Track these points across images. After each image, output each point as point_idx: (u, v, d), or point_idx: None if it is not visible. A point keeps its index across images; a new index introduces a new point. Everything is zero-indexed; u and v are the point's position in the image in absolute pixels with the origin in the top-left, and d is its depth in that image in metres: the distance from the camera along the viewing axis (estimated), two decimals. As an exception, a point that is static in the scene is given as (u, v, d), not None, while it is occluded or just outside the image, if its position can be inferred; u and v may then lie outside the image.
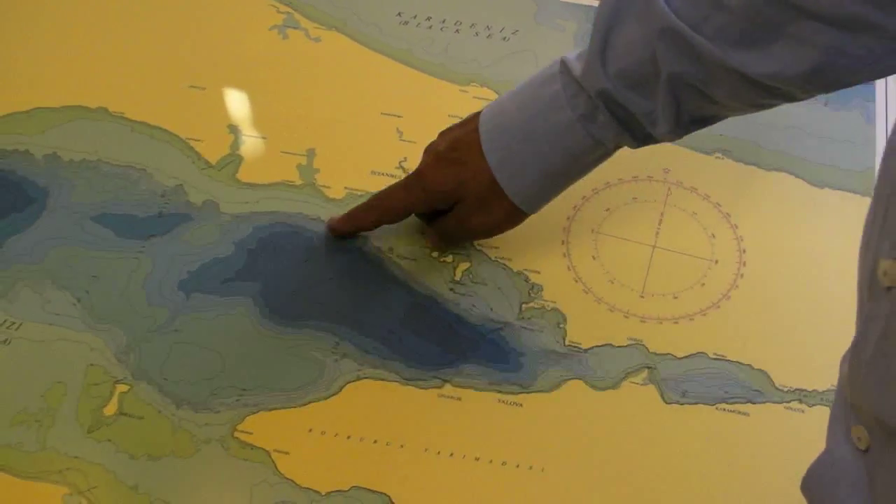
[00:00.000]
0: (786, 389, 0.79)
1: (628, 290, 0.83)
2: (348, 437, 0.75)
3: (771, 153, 0.93)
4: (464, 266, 0.84)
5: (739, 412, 0.78)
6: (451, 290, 0.82)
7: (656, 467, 0.75)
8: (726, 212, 0.88)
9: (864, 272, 0.56)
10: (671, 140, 0.76)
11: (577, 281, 0.84)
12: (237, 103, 0.94)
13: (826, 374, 0.79)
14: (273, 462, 0.73)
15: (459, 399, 0.77)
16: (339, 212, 0.84)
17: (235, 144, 0.90)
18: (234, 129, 0.91)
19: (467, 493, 0.73)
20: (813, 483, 0.63)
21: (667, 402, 0.78)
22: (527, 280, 0.83)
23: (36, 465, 0.72)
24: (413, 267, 0.83)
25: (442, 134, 0.82)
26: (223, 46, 0.98)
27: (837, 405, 0.62)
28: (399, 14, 1.01)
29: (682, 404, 0.78)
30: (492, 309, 0.81)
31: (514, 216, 0.81)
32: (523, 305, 0.82)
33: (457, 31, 1.01)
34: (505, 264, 0.84)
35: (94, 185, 0.87)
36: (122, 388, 0.76)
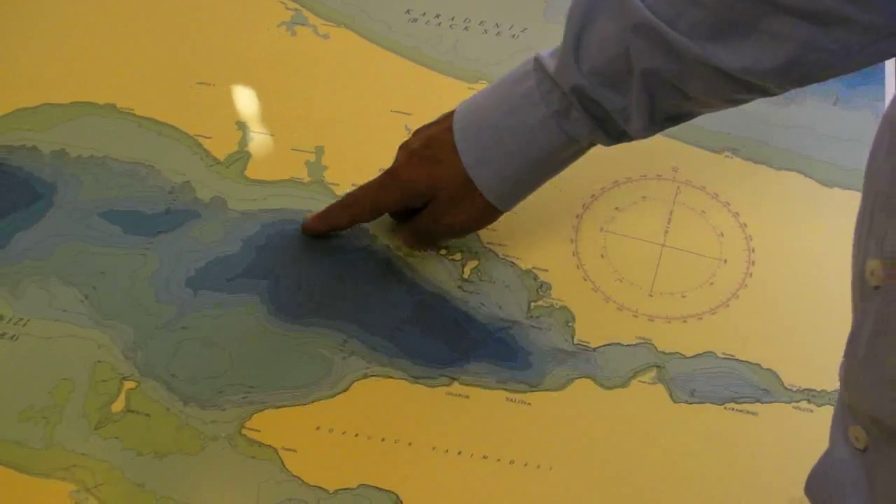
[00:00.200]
0: (794, 389, 0.78)
1: (637, 288, 0.83)
2: (356, 435, 0.74)
3: (780, 152, 0.92)
4: (472, 264, 0.84)
5: (748, 412, 0.77)
6: (460, 287, 0.82)
7: (664, 467, 0.74)
8: (735, 211, 0.88)
9: (854, 272, 0.56)
10: (645, 137, 0.76)
11: (585, 279, 0.83)
12: (245, 100, 0.93)
13: (834, 374, 0.77)
14: (280, 460, 0.73)
15: (467, 397, 0.77)
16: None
17: (244, 141, 0.90)
18: (242, 126, 0.91)
19: (475, 492, 0.73)
20: (815, 485, 0.63)
21: (675, 402, 0.77)
22: (535, 278, 0.83)
23: (43, 462, 0.72)
24: (421, 265, 0.83)
25: (416, 132, 0.81)
26: (231, 43, 0.98)
27: (838, 406, 0.62)
28: (408, 11, 1.01)
29: (690, 404, 0.77)
30: (500, 307, 0.81)
31: (488, 214, 0.80)
32: (532, 304, 0.82)
33: (465, 28, 1.00)
34: (513, 262, 0.84)
35: (102, 181, 0.87)
36: (129, 384, 0.76)
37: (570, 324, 0.81)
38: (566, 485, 0.73)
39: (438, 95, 0.94)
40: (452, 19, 1.01)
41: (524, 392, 0.77)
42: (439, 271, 0.83)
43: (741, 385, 0.78)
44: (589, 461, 0.74)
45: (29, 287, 0.80)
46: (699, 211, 0.88)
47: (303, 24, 1.00)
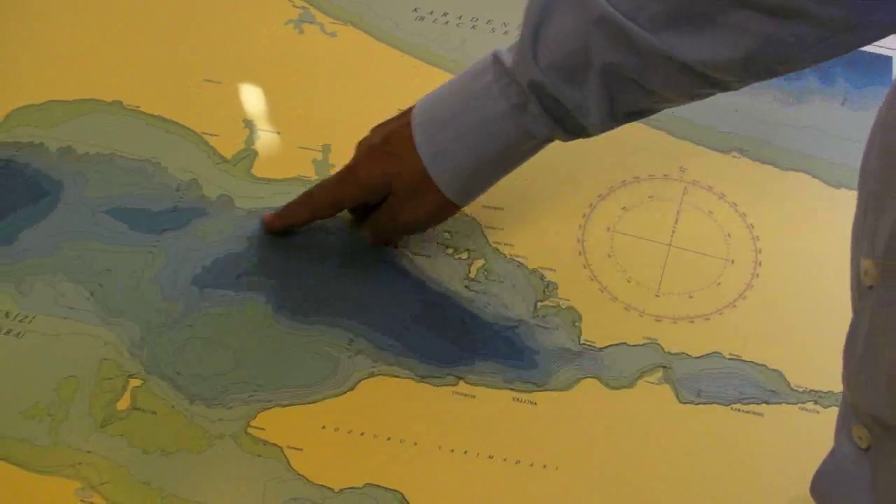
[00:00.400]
0: (801, 390, 0.78)
1: (644, 288, 0.83)
2: (362, 434, 0.74)
3: (787, 152, 0.92)
4: (478, 263, 0.83)
5: (754, 412, 0.77)
6: (466, 287, 0.82)
7: (670, 467, 0.74)
8: (742, 211, 0.88)
9: (852, 272, 0.56)
10: (603, 132, 0.76)
11: (592, 279, 0.83)
12: (253, 98, 0.93)
13: (841, 375, 0.78)
14: (286, 458, 0.73)
15: (474, 397, 0.77)
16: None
17: (251, 139, 0.90)
18: (249, 124, 0.91)
19: (481, 492, 0.73)
20: (820, 485, 0.63)
21: (681, 402, 0.77)
22: (542, 278, 0.83)
23: (48, 460, 0.72)
24: (428, 264, 0.83)
25: (376, 128, 0.81)
26: (239, 40, 0.98)
27: (841, 406, 0.62)
28: (415, 10, 1.01)
29: (696, 404, 0.77)
30: (506, 307, 0.81)
31: (446, 209, 0.80)
32: (538, 303, 0.82)
33: (473, 27, 1.00)
34: (520, 262, 0.84)
35: (109, 178, 0.87)
36: (135, 382, 0.76)
37: (576, 323, 0.81)
38: (572, 485, 0.73)
39: (445, 94, 0.94)
40: (460, 18, 1.01)
41: (530, 392, 0.77)
42: (446, 270, 0.83)
43: (748, 386, 0.78)
44: (595, 461, 0.74)
45: (35, 284, 0.80)
46: (706, 211, 0.88)
47: (310, 22, 0.99)
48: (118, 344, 0.77)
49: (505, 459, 0.74)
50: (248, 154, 0.89)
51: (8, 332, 0.78)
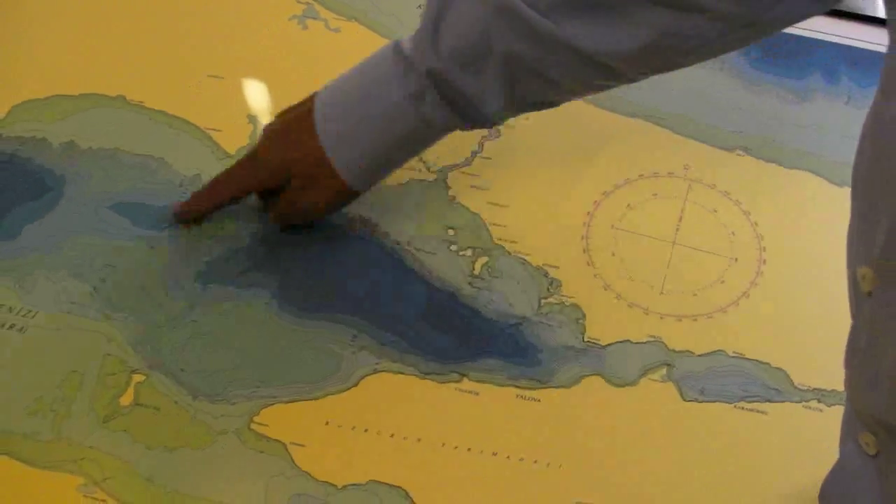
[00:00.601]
0: (804, 388, 0.78)
1: (648, 286, 0.83)
2: (365, 431, 0.74)
3: (792, 151, 0.92)
4: (482, 260, 0.83)
5: (757, 411, 0.77)
6: (470, 284, 0.82)
7: (673, 465, 0.74)
8: (746, 209, 0.88)
9: (849, 278, 0.56)
10: (504, 121, 0.77)
11: (596, 277, 0.83)
12: (256, 93, 0.93)
13: (843, 382, 0.78)
14: (289, 455, 0.73)
15: (477, 394, 0.77)
16: (358, 204, 0.84)
17: (254, 135, 0.90)
18: (252, 120, 0.91)
19: (484, 488, 0.72)
20: (829, 494, 0.63)
21: (685, 400, 0.77)
22: (546, 275, 0.83)
23: (51, 455, 0.72)
24: (431, 260, 0.83)
25: (280, 114, 0.82)
26: (243, 36, 0.98)
27: (845, 414, 0.62)
28: (419, 6, 1.01)
29: (700, 402, 0.77)
30: (510, 304, 0.81)
31: (345, 194, 0.81)
32: (542, 300, 0.81)
33: (476, 23, 1.00)
34: (524, 259, 0.84)
35: (112, 174, 0.87)
36: (138, 378, 0.76)
37: (580, 321, 0.81)
38: (575, 482, 0.73)
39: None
40: (463, 14, 1.01)
41: (534, 389, 0.77)
42: (450, 267, 0.83)
43: (751, 384, 0.78)
44: (598, 459, 0.74)
45: (38, 279, 0.80)
46: (710, 209, 0.88)
47: (314, 18, 0.99)
48: (121, 340, 0.77)
49: (508, 456, 0.74)
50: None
51: (11, 327, 0.78)
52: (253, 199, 0.84)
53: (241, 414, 0.74)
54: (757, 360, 0.79)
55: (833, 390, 0.78)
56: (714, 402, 0.77)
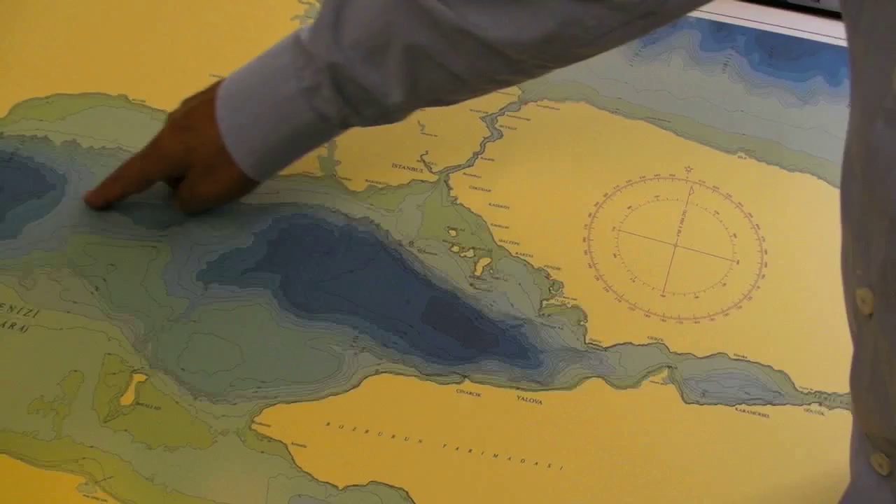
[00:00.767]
0: (806, 391, 0.78)
1: (649, 288, 0.83)
2: (366, 432, 0.74)
3: (794, 154, 0.92)
4: (484, 261, 0.83)
5: (759, 413, 0.77)
6: (472, 285, 0.82)
7: (675, 467, 0.74)
8: (748, 212, 0.88)
9: (847, 301, 0.56)
10: (404, 117, 0.78)
11: (598, 278, 0.83)
12: (258, 93, 0.93)
13: (846, 377, 0.78)
14: (290, 455, 0.73)
15: (479, 395, 0.76)
16: (360, 205, 0.84)
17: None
18: (254, 119, 0.91)
19: (485, 490, 0.72)
20: None
21: (686, 402, 0.77)
22: (547, 277, 0.83)
23: (51, 454, 0.72)
24: (433, 261, 0.83)
25: (183, 102, 0.83)
26: (245, 36, 0.98)
27: (854, 437, 0.62)
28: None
29: (701, 404, 0.77)
30: (512, 305, 0.81)
31: (243, 183, 0.82)
32: (544, 302, 0.81)
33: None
34: (526, 260, 0.84)
35: (114, 172, 0.87)
36: (139, 377, 0.76)
37: (581, 323, 0.81)
38: (576, 484, 0.73)
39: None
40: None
41: (536, 391, 0.77)
42: (451, 268, 0.83)
43: (753, 386, 0.78)
44: (599, 461, 0.74)
45: (39, 278, 0.80)
46: (712, 211, 0.88)
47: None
48: (122, 339, 0.77)
49: (509, 458, 0.74)
50: (254, 150, 0.89)
51: (12, 325, 0.77)
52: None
53: (242, 414, 0.74)
54: (759, 363, 0.79)
55: (834, 393, 0.78)
56: (715, 404, 0.77)
